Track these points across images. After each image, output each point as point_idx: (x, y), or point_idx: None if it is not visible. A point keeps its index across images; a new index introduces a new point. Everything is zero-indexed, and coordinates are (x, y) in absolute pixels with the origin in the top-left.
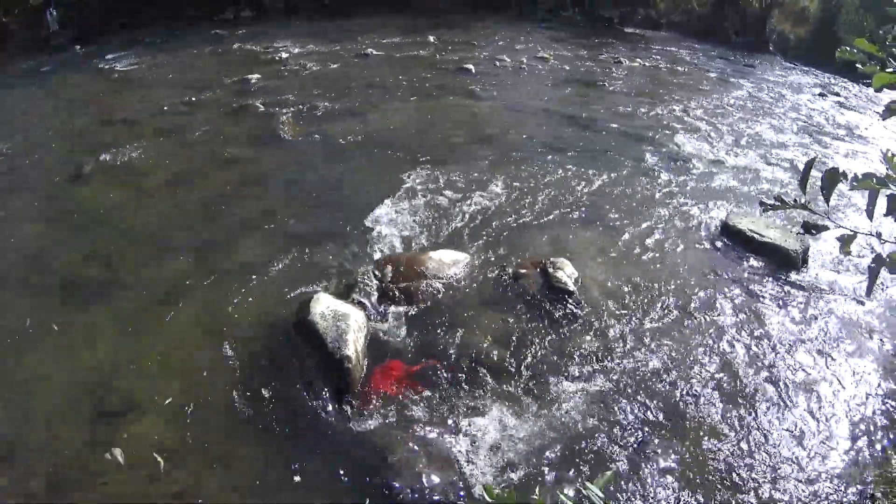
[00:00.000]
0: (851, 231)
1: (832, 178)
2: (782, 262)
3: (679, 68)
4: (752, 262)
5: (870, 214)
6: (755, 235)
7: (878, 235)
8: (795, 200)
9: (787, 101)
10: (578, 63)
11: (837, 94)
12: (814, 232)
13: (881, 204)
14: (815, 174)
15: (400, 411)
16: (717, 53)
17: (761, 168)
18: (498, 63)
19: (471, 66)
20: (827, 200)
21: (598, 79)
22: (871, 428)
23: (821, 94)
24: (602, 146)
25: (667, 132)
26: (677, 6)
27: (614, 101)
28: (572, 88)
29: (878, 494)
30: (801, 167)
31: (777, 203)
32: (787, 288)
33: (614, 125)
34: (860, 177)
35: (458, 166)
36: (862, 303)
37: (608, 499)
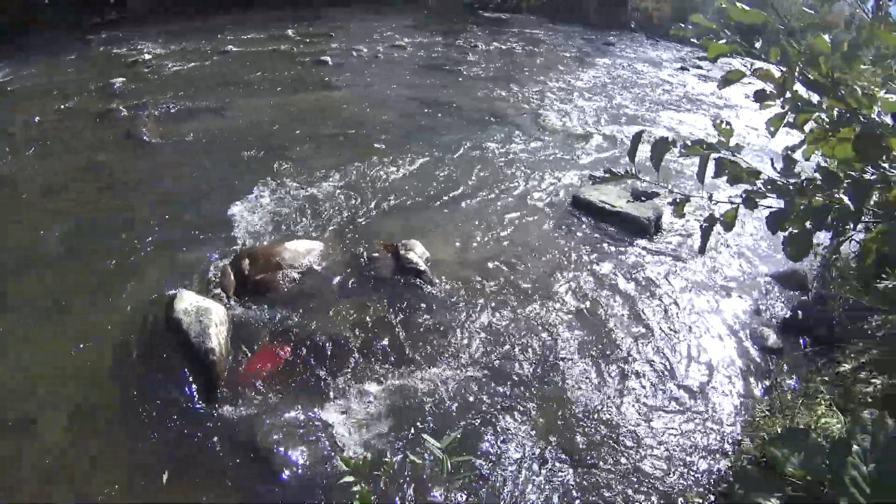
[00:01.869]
0: (682, 195)
1: (662, 147)
2: (635, 230)
3: (537, 49)
4: (604, 231)
5: (700, 178)
6: (606, 206)
7: (710, 197)
8: (628, 171)
9: (647, 76)
10: (435, 49)
11: (699, 67)
12: (643, 199)
13: (711, 168)
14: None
15: (267, 397)
16: (576, 33)
17: (615, 141)
18: (355, 53)
19: (328, 59)
20: (657, 168)
21: (454, 64)
22: (731, 377)
23: (682, 68)
24: (456, 129)
25: (520, 112)
26: None
27: (470, 84)
28: (428, 75)
29: (746, 439)
30: (654, 139)
31: (607, 175)
32: (638, 253)
33: (469, 108)
34: (689, 144)
35: (315, 158)
36: (712, 260)
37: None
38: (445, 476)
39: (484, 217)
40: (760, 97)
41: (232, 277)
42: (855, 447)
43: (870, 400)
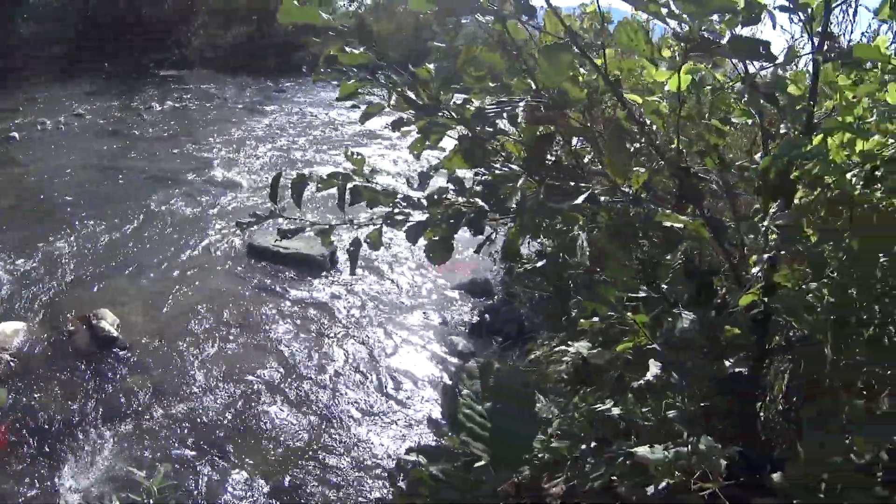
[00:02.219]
0: (326, 225)
1: (299, 184)
2: (311, 268)
3: (209, 104)
4: (281, 273)
5: (340, 206)
6: (280, 249)
7: (351, 222)
8: (272, 212)
9: (318, 118)
10: (113, 114)
11: (381, 110)
12: (289, 235)
13: (349, 197)
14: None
15: None
16: (249, 84)
17: (283, 185)
18: (40, 126)
19: (16, 134)
20: (298, 205)
21: (130, 127)
22: (425, 385)
23: (353, 107)
24: (135, 193)
25: (195, 169)
26: (210, 44)
27: (146, 147)
28: (107, 141)
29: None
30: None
31: (252, 219)
32: (317, 288)
33: (145, 170)
34: (325, 177)
35: (4, 237)
36: (395, 282)
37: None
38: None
39: (169, 275)
40: (397, 125)
41: None
42: (466, 391)
43: (565, 377)
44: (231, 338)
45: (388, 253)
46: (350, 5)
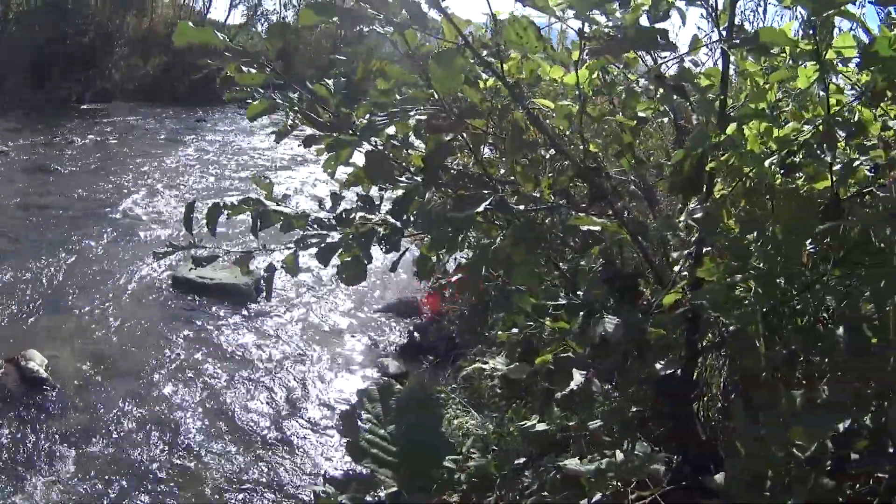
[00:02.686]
0: (243, 252)
1: (213, 212)
2: (237, 297)
3: (130, 136)
4: (207, 304)
5: (254, 232)
6: (205, 280)
7: (265, 247)
8: (190, 243)
9: (238, 146)
10: (34, 149)
11: (293, 130)
12: (204, 264)
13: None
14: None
15: None
16: (168, 115)
17: (199, 233)
18: None
19: None
20: (213, 233)
21: (53, 163)
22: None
23: (273, 132)
24: (58, 230)
25: (117, 202)
26: (130, 75)
27: (68, 182)
28: (28, 178)
29: None
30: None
31: (168, 249)
32: (243, 317)
33: (68, 206)
34: (235, 204)
35: None
36: (321, 309)
37: None
38: None
39: (96, 312)
40: (308, 142)
41: None
42: (366, 415)
43: (498, 391)
44: (159, 374)
45: (313, 277)
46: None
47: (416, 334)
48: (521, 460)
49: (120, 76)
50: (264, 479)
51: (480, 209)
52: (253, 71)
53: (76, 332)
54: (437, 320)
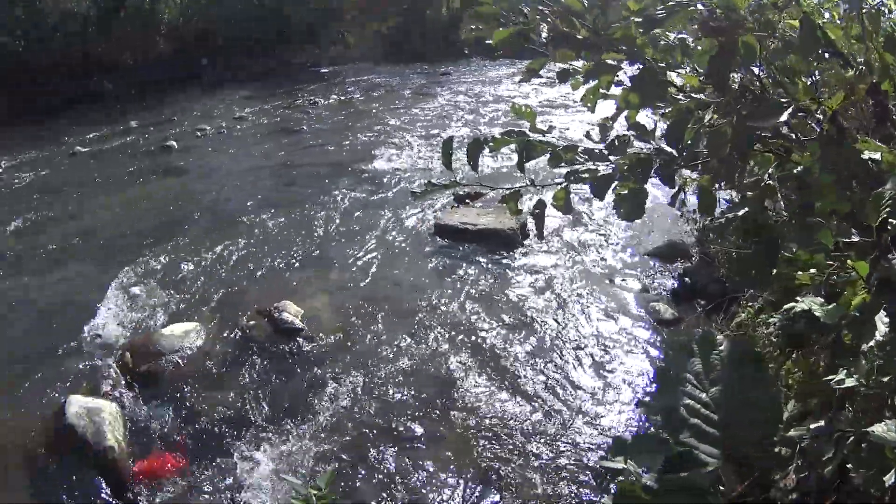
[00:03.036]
0: (509, 188)
1: (474, 147)
2: (503, 243)
3: (374, 94)
4: (470, 251)
5: (520, 167)
6: (468, 226)
7: (532, 182)
8: (451, 181)
9: (486, 95)
10: (275, 114)
11: (540, 76)
12: (468, 202)
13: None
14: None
15: (174, 488)
16: (411, 71)
17: (461, 161)
18: (199, 134)
19: (174, 143)
20: (475, 169)
21: (296, 124)
22: (633, 360)
23: (521, 81)
24: (307, 187)
25: (369, 158)
26: (365, 35)
27: (315, 141)
28: (273, 140)
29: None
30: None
31: (426, 188)
32: (508, 264)
33: (317, 164)
34: (497, 137)
35: (176, 243)
36: (590, 252)
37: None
38: None
39: (352, 264)
40: (563, 76)
41: (117, 372)
42: (687, 375)
43: (773, 339)
44: (419, 324)
45: (575, 219)
46: None
47: (686, 278)
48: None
49: (355, 37)
50: (532, 440)
51: (784, 117)
52: None
53: (333, 282)
54: (707, 262)
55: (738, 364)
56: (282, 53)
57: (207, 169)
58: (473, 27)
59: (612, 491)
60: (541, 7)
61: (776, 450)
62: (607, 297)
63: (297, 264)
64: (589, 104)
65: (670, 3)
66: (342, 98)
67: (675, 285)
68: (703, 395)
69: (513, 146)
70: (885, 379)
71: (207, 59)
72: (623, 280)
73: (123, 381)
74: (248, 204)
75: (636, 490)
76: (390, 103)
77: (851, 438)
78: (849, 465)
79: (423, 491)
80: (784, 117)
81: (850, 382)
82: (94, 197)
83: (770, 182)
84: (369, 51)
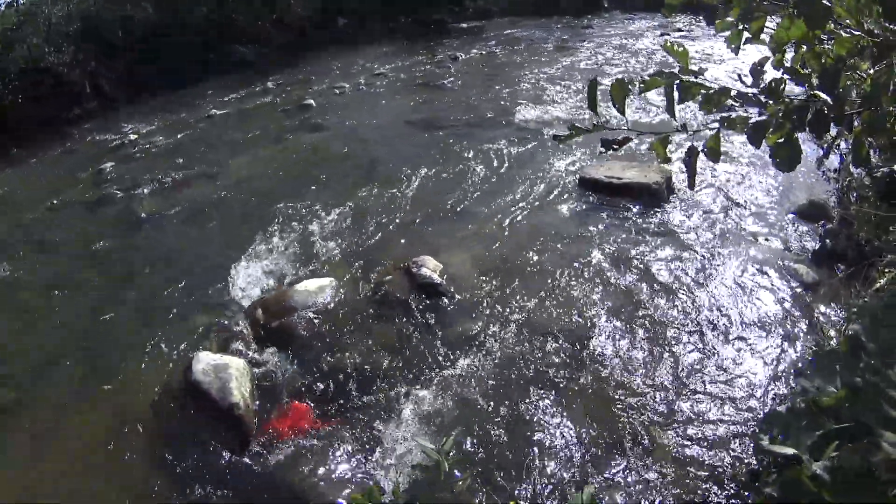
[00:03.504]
0: (658, 133)
1: (620, 89)
2: (648, 197)
3: (516, 48)
4: (616, 205)
5: (669, 110)
6: (613, 180)
7: (684, 127)
8: (594, 124)
9: (628, 49)
10: (415, 70)
11: (679, 30)
12: (615, 147)
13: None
14: None
15: (302, 444)
16: (552, 25)
17: (604, 115)
18: (337, 91)
19: (311, 101)
20: (622, 112)
21: (436, 79)
22: (774, 323)
23: (662, 35)
24: (451, 141)
25: (509, 112)
26: None
27: (456, 95)
28: (413, 95)
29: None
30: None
31: (571, 132)
32: (654, 219)
33: (457, 119)
34: (646, 78)
35: (313, 199)
36: (730, 209)
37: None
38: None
39: (493, 219)
40: (710, 16)
41: (248, 329)
42: (872, 346)
43: None
44: (561, 280)
45: (719, 173)
46: None
47: (826, 240)
48: None
49: None
50: (674, 409)
51: None
52: None
53: (473, 238)
54: (848, 223)
55: None
56: (421, 11)
57: (346, 125)
58: None
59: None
60: None
61: None
62: (750, 256)
63: (436, 219)
64: (733, 45)
65: None
66: (483, 52)
67: (817, 247)
68: (891, 373)
69: (662, 93)
70: None
71: (345, 20)
72: (764, 238)
73: (254, 338)
74: (387, 159)
75: (803, 479)
76: (532, 56)
77: None
78: None
79: (554, 452)
80: None
81: None
82: (230, 157)
83: None
84: (510, 6)
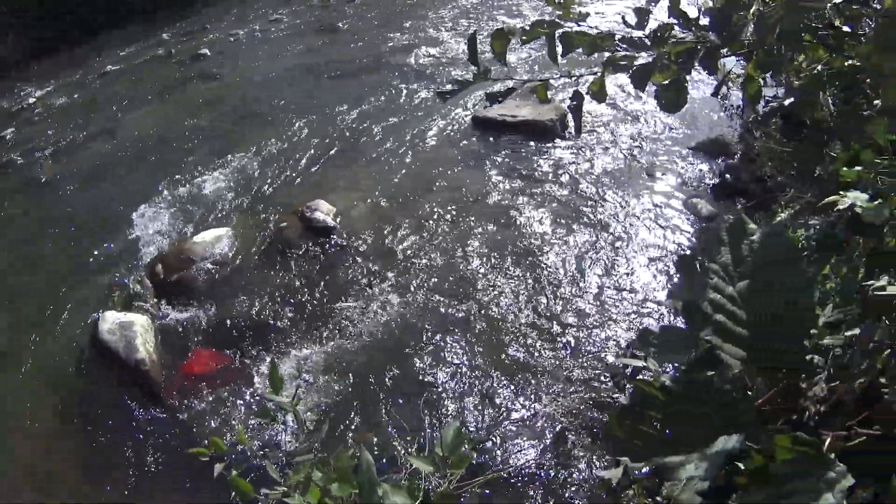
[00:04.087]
0: (538, 80)
1: (500, 39)
2: (542, 134)
3: None
4: (510, 142)
5: (551, 57)
6: (506, 117)
7: (568, 74)
8: (475, 75)
9: None
10: (311, 14)
11: None
12: (500, 99)
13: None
14: None
15: (208, 393)
16: None
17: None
18: (232, 39)
19: (206, 51)
20: (502, 61)
21: (332, 23)
22: (668, 254)
23: None
24: (346, 85)
25: (407, 53)
26: None
27: (352, 39)
28: (309, 39)
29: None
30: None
31: (455, 87)
32: (549, 154)
33: (355, 62)
34: (527, 28)
35: (210, 150)
36: (629, 144)
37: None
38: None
39: (388, 160)
40: None
41: (150, 284)
42: (713, 266)
43: (813, 244)
44: (453, 220)
45: (619, 112)
46: None
47: (727, 175)
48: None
49: None
50: (559, 336)
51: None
52: None
53: (368, 180)
54: (751, 160)
55: (769, 254)
56: None
57: (240, 74)
58: None
59: (629, 391)
60: None
61: (807, 356)
62: (646, 191)
63: (330, 164)
64: None
65: None
66: None
67: (716, 181)
68: (730, 289)
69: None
70: None
71: None
72: (663, 174)
73: (156, 293)
74: (282, 106)
75: (653, 390)
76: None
77: (888, 351)
78: (882, 380)
79: (447, 391)
80: None
81: (892, 290)
82: (124, 113)
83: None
84: None
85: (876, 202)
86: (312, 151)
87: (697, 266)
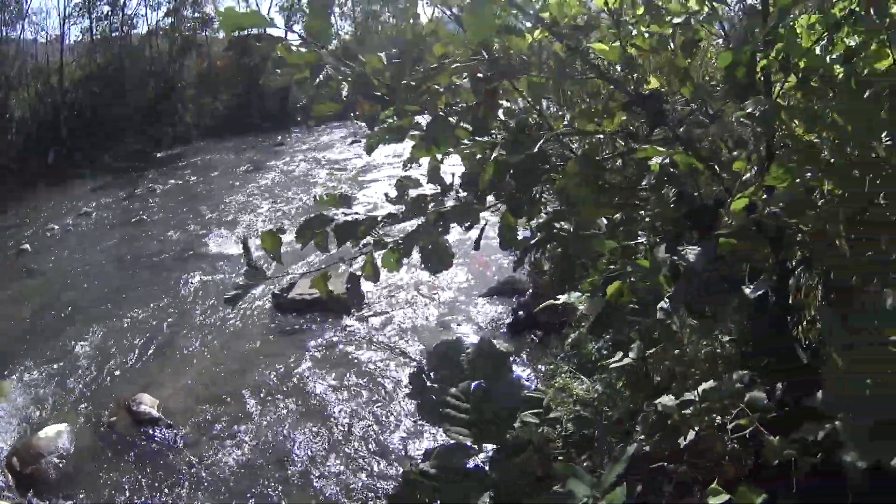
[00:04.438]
0: (315, 271)
1: (272, 241)
2: (339, 309)
3: (212, 174)
4: (309, 320)
5: (323, 251)
6: (304, 297)
7: (342, 260)
8: (255, 277)
9: (322, 161)
10: (116, 207)
11: (359, 141)
12: (285, 294)
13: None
14: None
15: None
16: (247, 145)
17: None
18: (49, 233)
19: (27, 246)
20: (277, 259)
21: (136, 215)
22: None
23: (353, 142)
24: (153, 277)
25: (206, 239)
26: (203, 114)
27: (156, 230)
28: (115, 234)
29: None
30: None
31: (238, 292)
32: (346, 327)
33: (160, 253)
34: (300, 228)
35: (38, 346)
36: (426, 302)
37: None
38: None
39: (201, 349)
40: (371, 124)
41: (10, 476)
42: (436, 375)
43: (603, 353)
44: (267, 397)
45: (413, 272)
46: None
47: (520, 312)
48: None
49: (193, 118)
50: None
51: (535, 149)
52: (303, 51)
53: (184, 369)
54: (538, 294)
55: (480, 364)
56: (126, 142)
57: (59, 269)
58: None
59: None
60: (343, 68)
61: (541, 429)
62: (448, 333)
63: (149, 355)
64: (371, 143)
65: (433, 66)
66: (179, 182)
67: (510, 320)
68: (453, 390)
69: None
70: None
71: (55, 151)
72: (458, 324)
73: (15, 484)
74: (99, 300)
75: (416, 475)
76: (227, 183)
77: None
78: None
79: None
80: (536, 148)
81: (625, 361)
82: None
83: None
84: (206, 130)
85: (582, 296)
86: (131, 344)
87: (423, 377)
